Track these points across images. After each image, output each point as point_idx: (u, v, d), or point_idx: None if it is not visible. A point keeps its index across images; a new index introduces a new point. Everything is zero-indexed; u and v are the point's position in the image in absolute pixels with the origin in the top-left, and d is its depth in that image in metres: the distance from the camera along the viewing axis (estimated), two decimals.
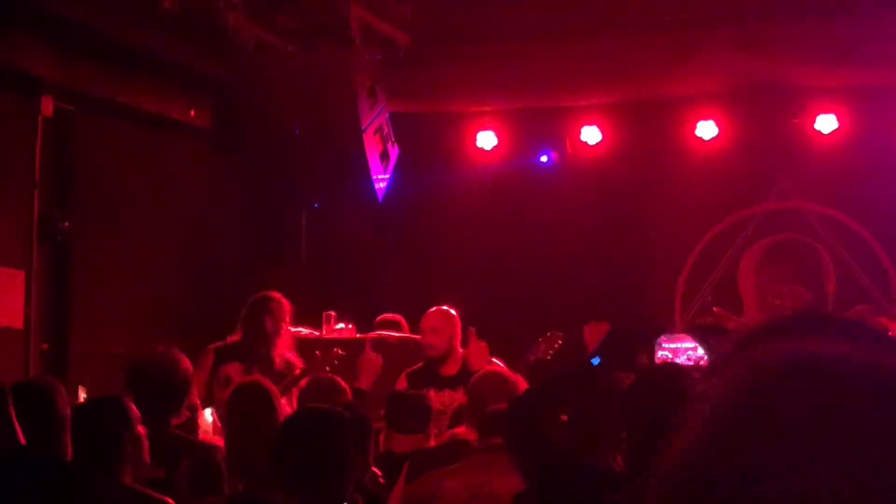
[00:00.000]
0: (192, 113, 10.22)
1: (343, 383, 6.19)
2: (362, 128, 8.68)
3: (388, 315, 9.03)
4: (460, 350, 7.49)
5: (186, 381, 5.56)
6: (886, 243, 10.69)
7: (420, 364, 7.59)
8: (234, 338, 7.69)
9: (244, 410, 5.21)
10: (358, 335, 8.69)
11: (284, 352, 7.58)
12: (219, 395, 7.09)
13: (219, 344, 7.68)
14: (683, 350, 5.08)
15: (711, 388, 1.13)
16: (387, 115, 8.96)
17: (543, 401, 3.54)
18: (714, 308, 10.18)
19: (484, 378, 5.63)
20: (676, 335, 5.07)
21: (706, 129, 10.71)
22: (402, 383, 7.41)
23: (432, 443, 5.93)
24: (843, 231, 10.86)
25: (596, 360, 3.56)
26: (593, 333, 7.14)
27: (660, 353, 4.65)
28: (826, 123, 10.46)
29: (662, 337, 4.38)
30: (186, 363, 5.67)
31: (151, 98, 9.79)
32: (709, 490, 1.08)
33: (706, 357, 4.34)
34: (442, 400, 7.22)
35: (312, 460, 3.84)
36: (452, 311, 7.68)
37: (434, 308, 7.71)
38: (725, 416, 1.10)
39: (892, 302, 10.65)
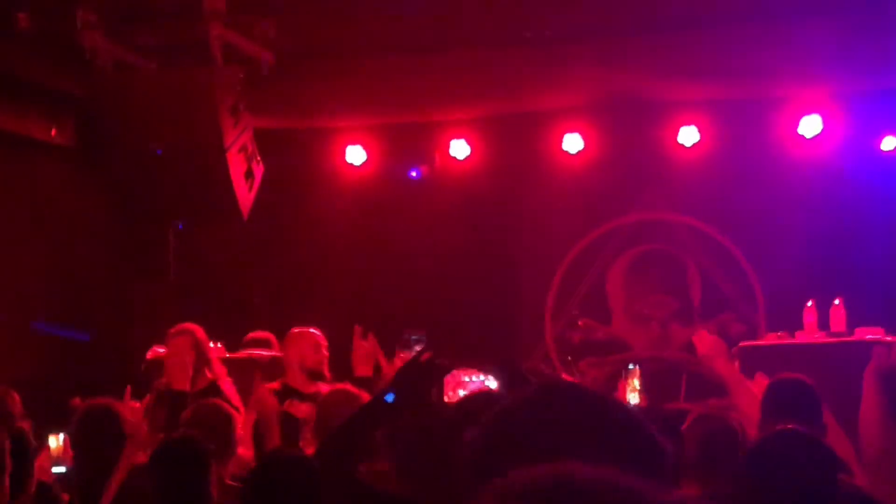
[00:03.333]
0: (53, 132, 10.04)
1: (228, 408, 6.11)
2: (226, 146, 8.59)
3: (258, 333, 8.95)
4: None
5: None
6: (749, 253, 10.90)
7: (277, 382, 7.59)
8: None
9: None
10: (228, 354, 8.58)
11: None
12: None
13: None
14: (474, 382, 5.14)
15: None
16: (251, 134, 8.88)
17: (347, 437, 3.50)
18: (580, 321, 10.30)
19: (330, 396, 5.66)
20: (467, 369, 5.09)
21: (572, 143, 10.82)
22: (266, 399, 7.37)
23: None
24: (708, 241, 11.05)
25: (389, 397, 3.54)
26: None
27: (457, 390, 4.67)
28: (688, 136, 10.63)
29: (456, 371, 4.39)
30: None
31: (10, 117, 9.59)
32: None
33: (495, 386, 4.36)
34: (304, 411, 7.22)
35: None
36: (311, 331, 7.67)
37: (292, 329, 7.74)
38: None
39: (754, 310, 10.87)
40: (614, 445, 1.54)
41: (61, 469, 6.06)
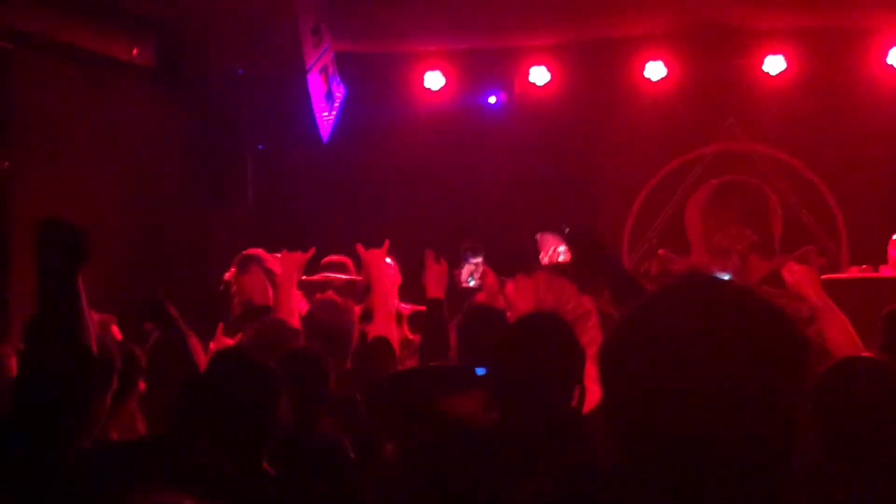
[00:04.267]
0: (135, 52, 10.03)
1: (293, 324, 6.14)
2: (307, 67, 8.56)
3: (335, 257, 8.94)
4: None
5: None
6: (833, 185, 10.73)
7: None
8: None
9: None
10: (304, 277, 8.59)
11: None
12: None
13: None
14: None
15: None
16: (332, 55, 8.84)
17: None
18: (659, 251, 10.20)
19: (372, 345, 5.77)
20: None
21: (655, 70, 10.67)
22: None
23: None
24: (791, 172, 10.88)
25: (481, 371, 3.51)
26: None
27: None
28: (774, 64, 10.44)
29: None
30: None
31: (92, 37, 9.60)
32: None
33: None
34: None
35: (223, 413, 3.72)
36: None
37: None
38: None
39: (837, 243, 10.71)
40: (757, 333, 1.52)
41: None
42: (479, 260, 6.73)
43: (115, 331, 6.16)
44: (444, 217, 10.91)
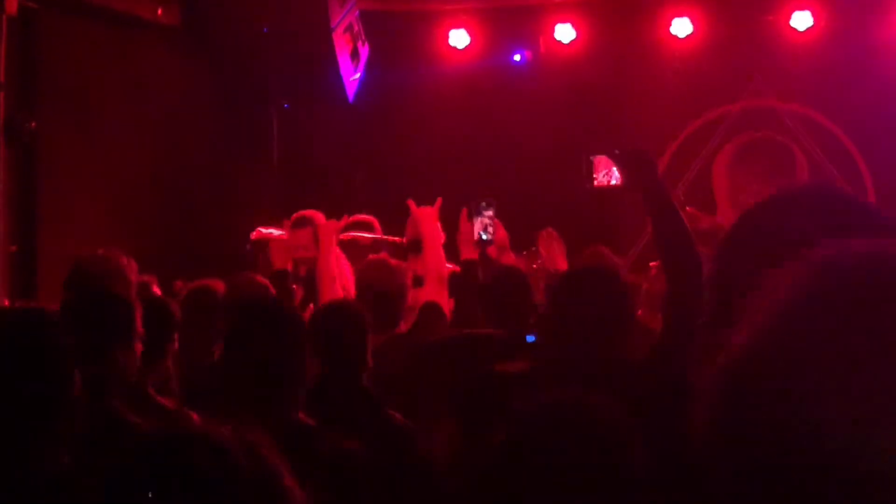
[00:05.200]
0: (160, 11, 10.02)
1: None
2: (332, 26, 8.53)
3: (361, 216, 8.94)
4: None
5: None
6: (861, 143, 10.66)
7: None
8: None
9: None
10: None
11: None
12: None
13: None
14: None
15: (776, 285, 1.09)
16: (357, 13, 8.81)
17: None
18: (687, 208, 10.13)
19: (423, 310, 5.77)
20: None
21: (681, 27, 10.60)
22: None
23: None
24: (818, 130, 10.82)
25: (531, 338, 3.57)
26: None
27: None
28: (802, 20, 10.36)
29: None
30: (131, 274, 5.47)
31: None
32: (760, 391, 1.03)
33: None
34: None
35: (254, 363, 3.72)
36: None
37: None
38: (790, 315, 1.06)
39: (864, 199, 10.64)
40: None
41: None
42: (490, 213, 6.73)
43: (156, 289, 6.19)
44: (470, 176, 10.87)
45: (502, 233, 6.75)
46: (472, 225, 6.60)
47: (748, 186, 10.86)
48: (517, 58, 11.20)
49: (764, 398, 1.04)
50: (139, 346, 4.18)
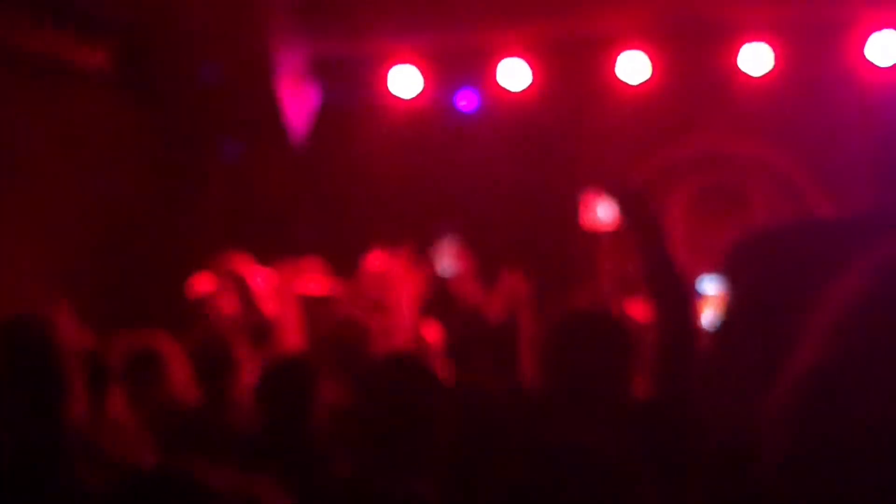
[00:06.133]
0: (95, 57, 9.70)
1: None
2: (278, 68, 8.28)
3: (306, 260, 8.73)
4: None
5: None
6: (815, 181, 10.55)
7: None
8: None
9: None
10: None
11: None
12: None
13: None
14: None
15: (836, 295, 1.13)
16: (303, 56, 8.56)
17: None
18: None
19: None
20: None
21: (636, 69, 10.44)
22: None
23: None
24: (772, 170, 10.73)
25: None
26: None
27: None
28: (754, 62, 10.24)
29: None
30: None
31: (47, 40, 9.25)
32: (832, 405, 1.05)
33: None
34: None
35: None
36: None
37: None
38: (854, 324, 1.10)
39: None
40: None
41: None
42: (452, 247, 6.61)
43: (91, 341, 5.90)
44: (417, 220, 10.65)
45: (466, 265, 6.56)
46: (436, 257, 6.44)
47: (704, 230, 10.71)
48: (464, 102, 11.00)
49: (853, 397, 1.07)
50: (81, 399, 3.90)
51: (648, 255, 3.83)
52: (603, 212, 4.26)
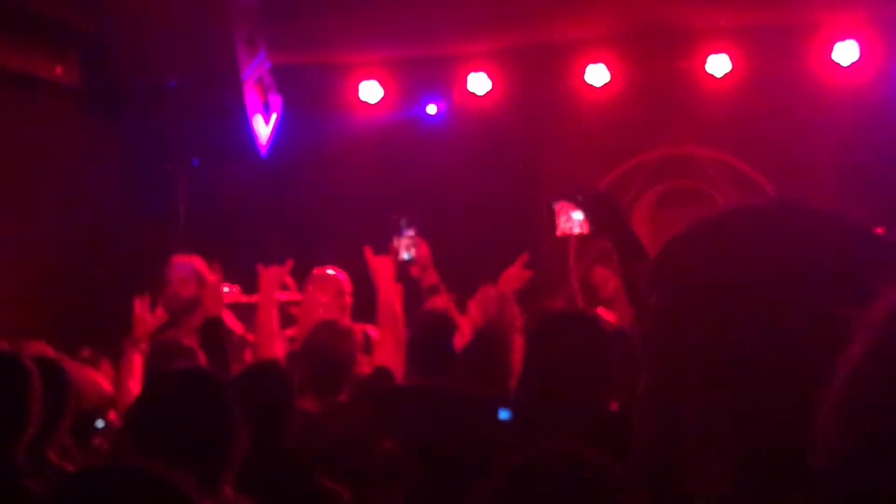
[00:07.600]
0: (59, 70, 9.63)
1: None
2: (242, 78, 8.23)
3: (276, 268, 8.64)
4: None
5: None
6: (778, 185, 10.58)
7: None
8: None
9: None
10: (243, 297, 8.28)
11: None
12: None
13: None
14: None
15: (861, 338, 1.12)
16: (268, 66, 8.53)
17: None
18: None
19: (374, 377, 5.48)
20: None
21: (597, 75, 10.46)
22: None
23: None
24: (735, 174, 10.74)
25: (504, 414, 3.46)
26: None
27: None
28: (718, 66, 10.28)
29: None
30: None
31: (12, 54, 9.19)
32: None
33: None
34: None
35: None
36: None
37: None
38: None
39: None
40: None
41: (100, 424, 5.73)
42: (412, 232, 6.60)
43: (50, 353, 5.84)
44: (385, 230, 10.61)
45: (425, 250, 6.54)
46: (395, 244, 6.42)
47: (670, 233, 10.72)
48: (431, 110, 10.98)
49: None
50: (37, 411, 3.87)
51: (625, 260, 3.84)
52: (572, 217, 4.25)
